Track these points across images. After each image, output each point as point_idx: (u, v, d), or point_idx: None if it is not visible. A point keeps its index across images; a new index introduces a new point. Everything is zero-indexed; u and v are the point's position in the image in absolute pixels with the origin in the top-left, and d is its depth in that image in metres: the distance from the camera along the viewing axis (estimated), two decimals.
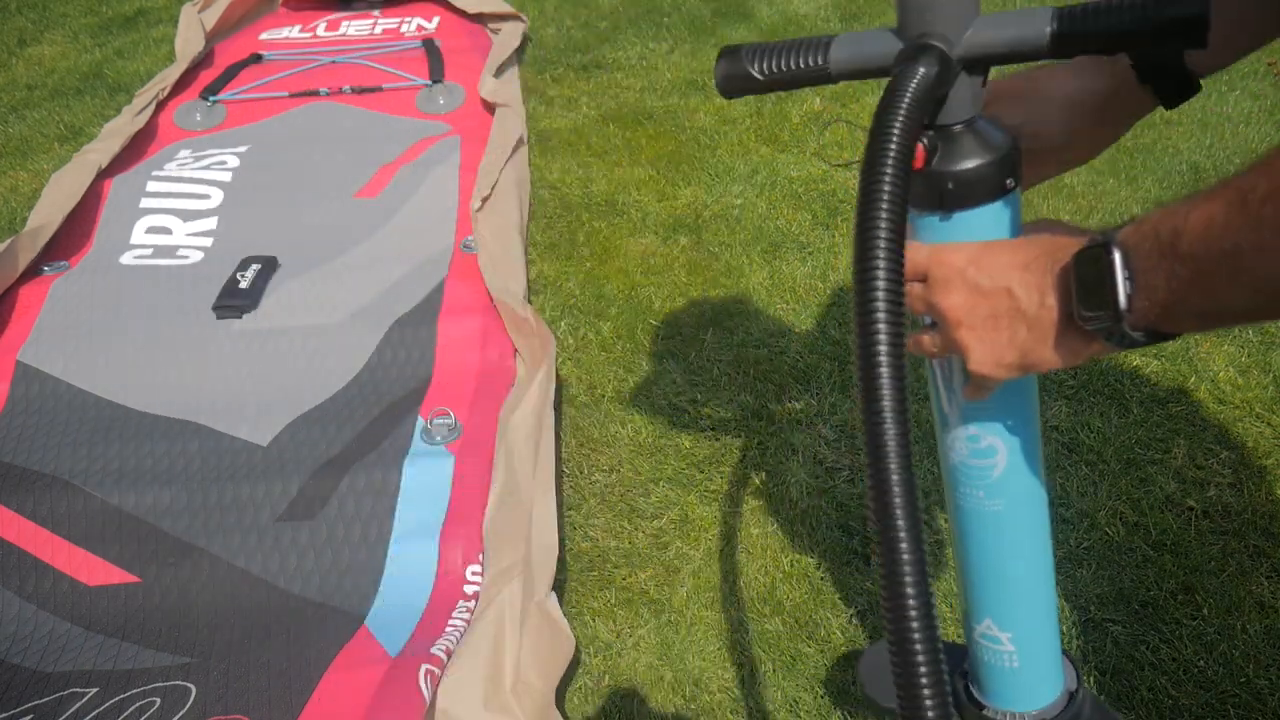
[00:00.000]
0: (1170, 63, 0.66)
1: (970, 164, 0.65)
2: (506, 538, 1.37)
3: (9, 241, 1.97)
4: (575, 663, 1.30)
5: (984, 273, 0.61)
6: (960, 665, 0.98)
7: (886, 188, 0.52)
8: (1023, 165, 0.68)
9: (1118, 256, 0.53)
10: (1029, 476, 0.79)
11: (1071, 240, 0.59)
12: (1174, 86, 0.68)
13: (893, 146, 0.54)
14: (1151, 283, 0.53)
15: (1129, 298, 0.53)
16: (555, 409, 1.60)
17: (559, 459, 1.60)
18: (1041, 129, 0.70)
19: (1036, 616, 0.88)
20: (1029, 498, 0.81)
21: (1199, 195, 0.51)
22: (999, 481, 0.79)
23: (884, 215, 0.52)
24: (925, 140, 0.64)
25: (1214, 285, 0.50)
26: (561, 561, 1.40)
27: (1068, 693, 0.93)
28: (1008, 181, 0.66)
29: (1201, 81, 0.68)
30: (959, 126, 0.65)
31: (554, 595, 1.28)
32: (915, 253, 0.65)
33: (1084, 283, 0.56)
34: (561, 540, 1.43)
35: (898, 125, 0.54)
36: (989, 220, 0.67)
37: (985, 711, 0.93)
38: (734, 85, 0.70)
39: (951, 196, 0.66)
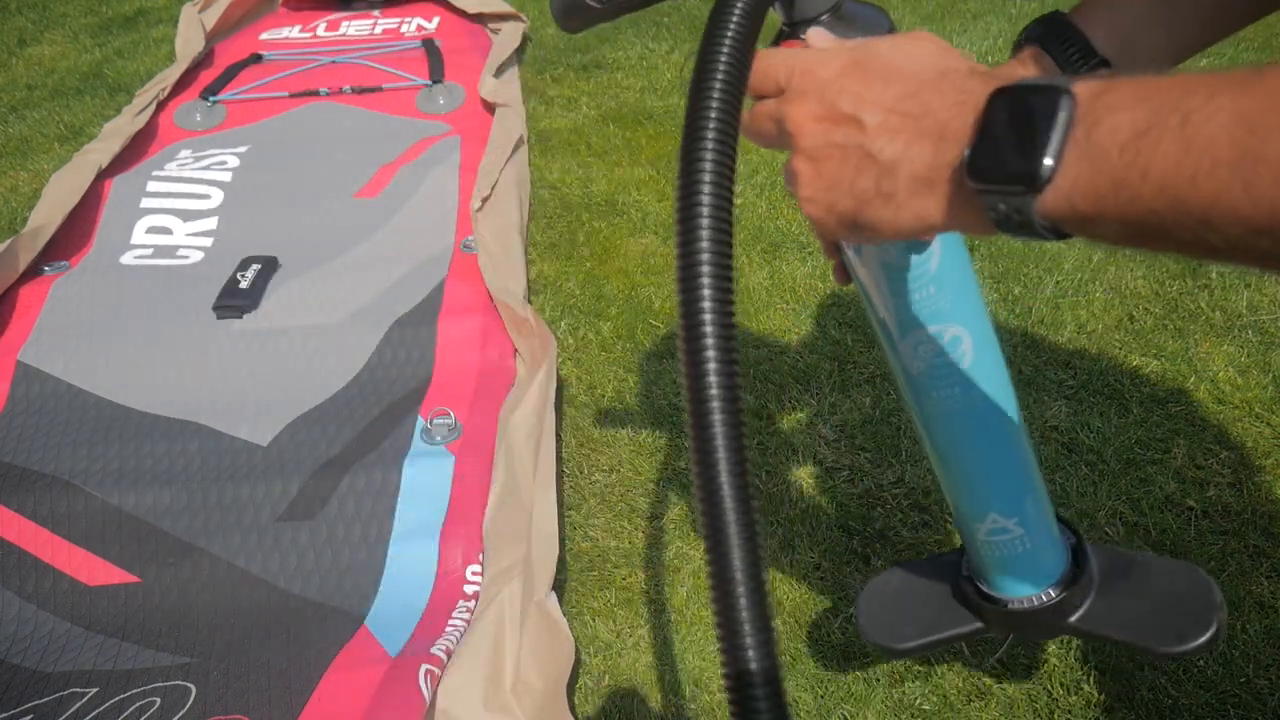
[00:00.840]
0: None
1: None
2: (507, 537, 1.37)
3: (9, 242, 1.97)
4: (575, 663, 1.30)
5: (844, 94, 0.49)
6: (958, 573, 0.97)
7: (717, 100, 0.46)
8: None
9: (1063, 110, 0.40)
10: (995, 359, 0.79)
11: (976, 74, 0.47)
12: None
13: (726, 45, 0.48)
14: (1096, 166, 0.39)
15: (1052, 166, 0.40)
16: (555, 409, 1.60)
17: (559, 459, 1.60)
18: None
19: (1033, 490, 0.88)
20: (999, 378, 0.80)
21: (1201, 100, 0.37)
22: (971, 370, 0.77)
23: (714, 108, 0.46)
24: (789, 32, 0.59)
25: (1179, 214, 0.37)
26: (561, 561, 1.40)
27: (1071, 550, 0.93)
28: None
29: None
30: (824, 18, 0.61)
31: (554, 595, 1.28)
32: (774, 61, 0.53)
33: (994, 129, 0.43)
34: (562, 540, 1.43)
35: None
36: None
37: (1011, 605, 0.92)
38: (574, 19, 0.64)
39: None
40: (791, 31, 0.62)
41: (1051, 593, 0.91)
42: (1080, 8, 0.67)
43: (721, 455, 0.43)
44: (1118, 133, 0.39)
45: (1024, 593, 0.92)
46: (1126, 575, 0.92)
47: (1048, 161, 0.40)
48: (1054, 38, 0.66)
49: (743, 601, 0.44)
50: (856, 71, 0.49)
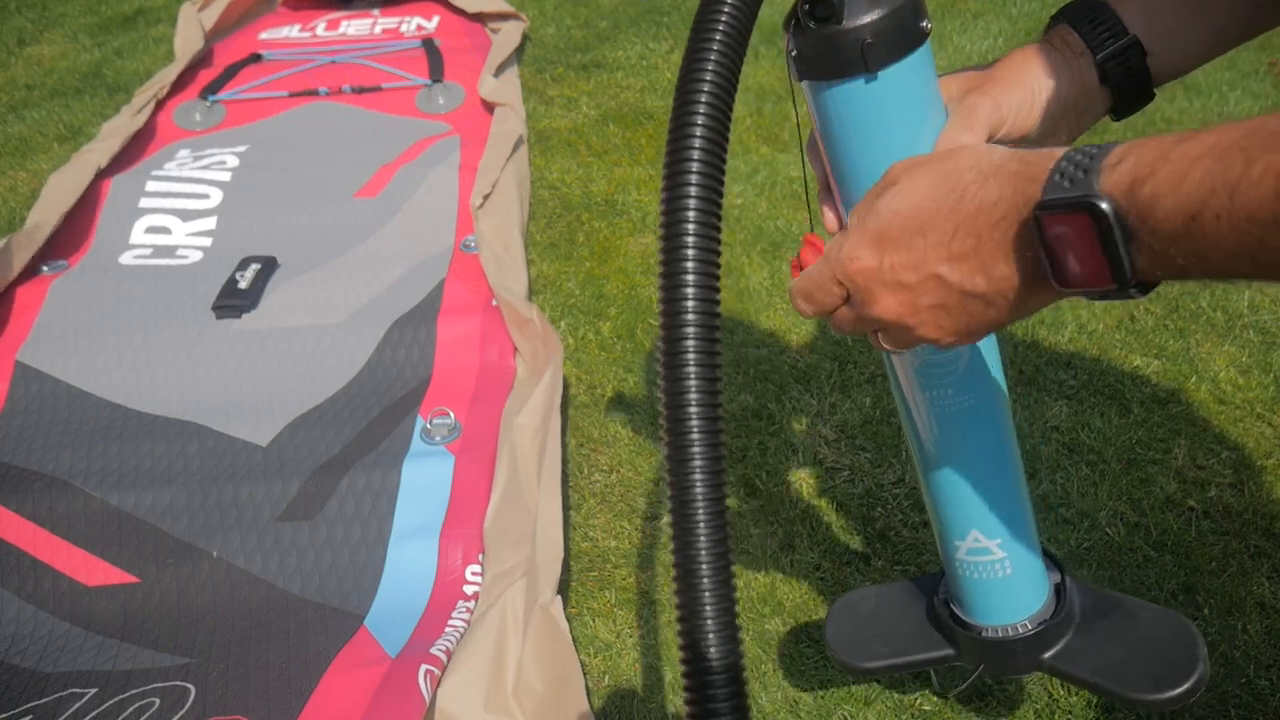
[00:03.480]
0: (1136, 65, 0.64)
1: (886, 8, 0.58)
2: (508, 539, 1.37)
3: (4, 241, 1.97)
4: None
5: (902, 269, 0.54)
6: (934, 594, 0.94)
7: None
8: None
9: (1117, 231, 0.44)
10: (992, 362, 0.77)
11: (993, 193, 0.50)
12: (1133, 92, 0.66)
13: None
14: (1164, 262, 0.44)
15: (1129, 275, 0.45)
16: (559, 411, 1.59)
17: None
18: (1012, 125, 0.67)
19: (1020, 515, 0.85)
20: (995, 386, 0.78)
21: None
22: (966, 373, 0.75)
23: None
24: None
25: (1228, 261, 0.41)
26: (563, 562, 1.40)
27: (1054, 586, 0.90)
28: (924, 23, 0.61)
29: (1203, 80, 0.68)
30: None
31: (559, 599, 1.28)
32: (820, 281, 0.58)
33: (1059, 260, 0.47)
34: (565, 542, 1.43)
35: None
36: (917, 71, 0.62)
37: (985, 633, 0.89)
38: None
39: (874, 52, 0.59)
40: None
41: (1028, 625, 0.88)
42: None
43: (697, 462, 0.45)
44: (1171, 225, 0.42)
45: (999, 621, 0.89)
46: (1109, 616, 0.89)
47: (1125, 276, 0.45)
48: (1085, 16, 0.66)
49: (706, 595, 0.45)
50: (889, 245, 0.54)
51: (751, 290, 1.96)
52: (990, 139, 0.65)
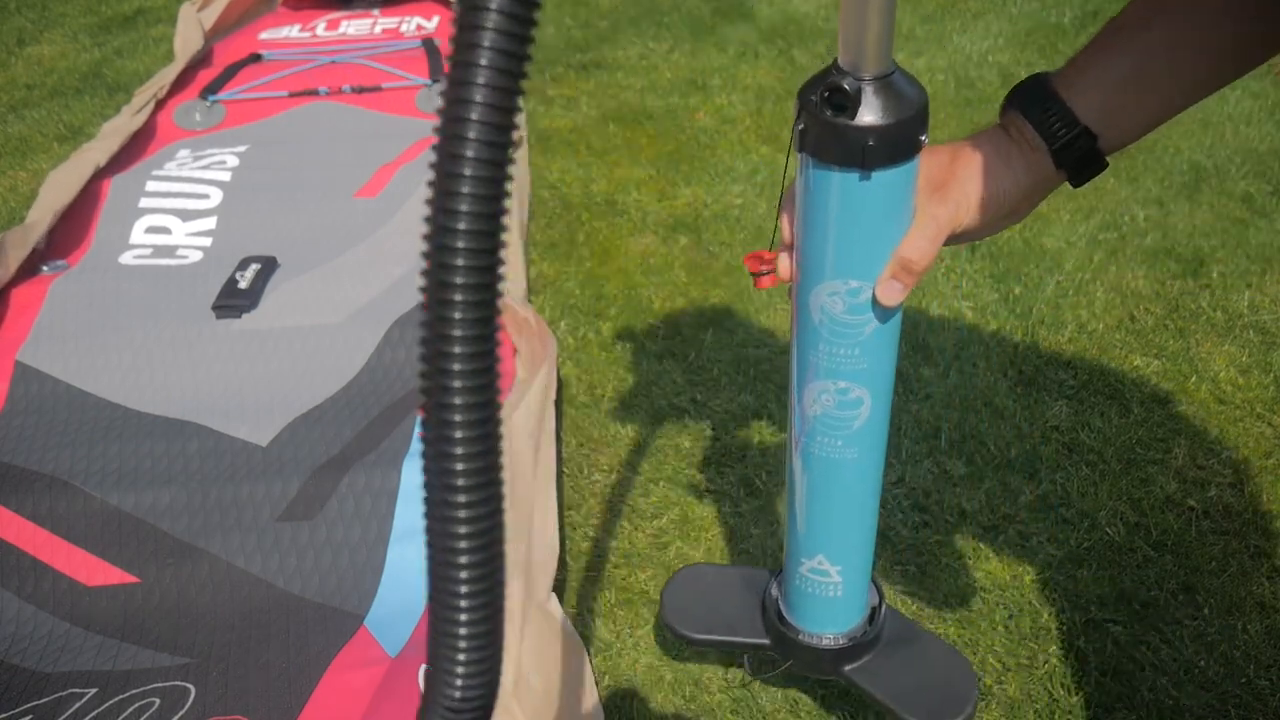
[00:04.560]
0: (1088, 149, 0.67)
1: (894, 117, 0.63)
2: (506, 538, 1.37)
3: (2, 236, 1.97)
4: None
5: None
6: (768, 589, 1.05)
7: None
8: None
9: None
10: (883, 425, 0.83)
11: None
12: (1087, 169, 0.69)
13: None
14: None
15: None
16: (555, 409, 1.59)
17: (559, 459, 1.60)
18: (965, 217, 0.71)
19: (864, 551, 0.94)
20: (880, 443, 0.85)
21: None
22: (859, 431, 0.81)
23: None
24: (848, 86, 0.62)
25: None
26: (561, 561, 1.40)
27: (871, 608, 1.01)
28: (923, 137, 0.65)
29: None
30: (882, 79, 0.63)
31: (555, 597, 1.28)
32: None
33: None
34: (562, 541, 1.43)
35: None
36: (905, 180, 0.67)
37: (802, 638, 1.00)
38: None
39: (872, 154, 0.63)
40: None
41: (840, 638, 0.99)
42: (1062, 75, 0.69)
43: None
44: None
45: (817, 630, 0.99)
46: (910, 645, 1.01)
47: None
48: (1036, 107, 0.68)
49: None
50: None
51: (751, 290, 1.96)
52: (950, 238, 0.71)
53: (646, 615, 1.37)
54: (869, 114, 0.62)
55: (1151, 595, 1.31)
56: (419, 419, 1.32)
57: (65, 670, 1.27)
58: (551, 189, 2.40)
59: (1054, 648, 1.26)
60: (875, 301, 0.72)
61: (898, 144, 0.64)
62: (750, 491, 1.52)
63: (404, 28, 3.27)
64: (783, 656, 1.05)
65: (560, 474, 1.58)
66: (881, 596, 1.02)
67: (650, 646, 1.33)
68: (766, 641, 1.05)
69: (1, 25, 3.83)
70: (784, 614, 1.02)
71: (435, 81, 2.76)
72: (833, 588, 0.94)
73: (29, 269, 2.02)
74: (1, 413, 1.68)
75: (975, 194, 0.69)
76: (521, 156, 2.43)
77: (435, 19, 3.32)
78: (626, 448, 1.63)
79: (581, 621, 1.37)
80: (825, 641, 0.99)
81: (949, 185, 0.70)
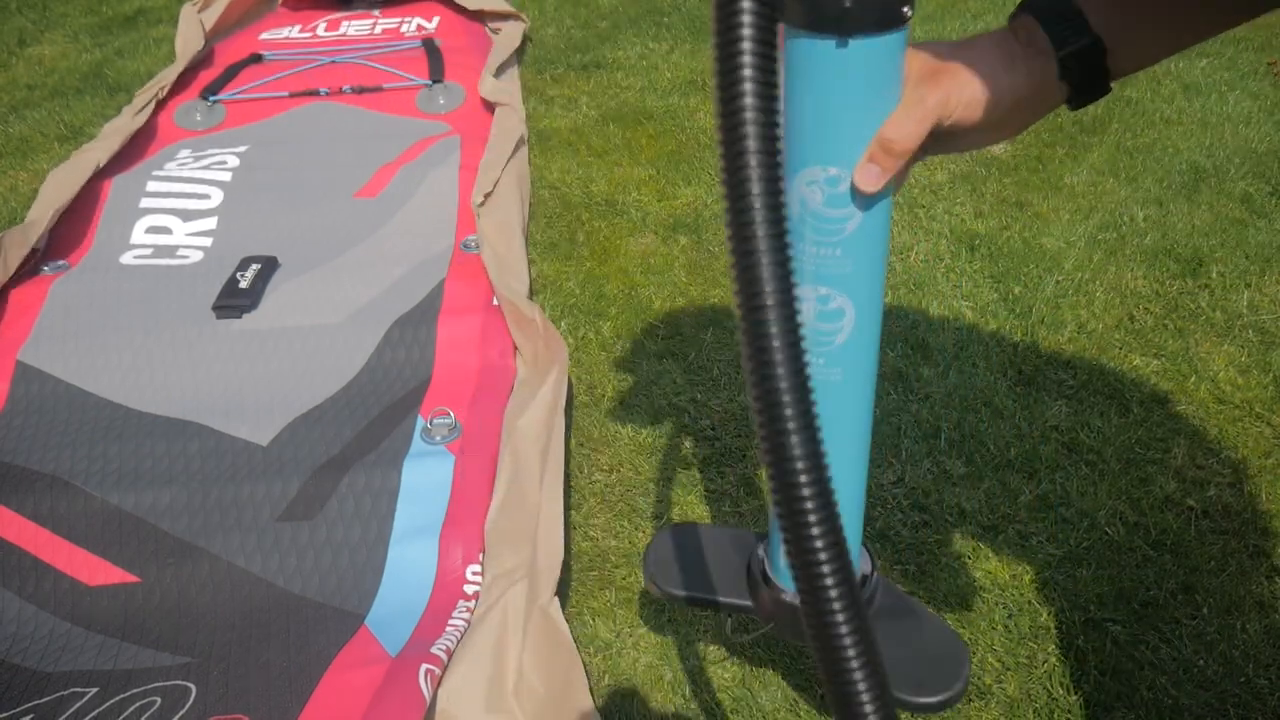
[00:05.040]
0: (1096, 64, 0.65)
1: None
2: (509, 540, 1.37)
3: (2, 236, 1.97)
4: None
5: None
6: (754, 551, 1.00)
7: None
8: (930, 142, 0.66)
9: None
10: (870, 345, 0.76)
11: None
12: (1090, 87, 0.67)
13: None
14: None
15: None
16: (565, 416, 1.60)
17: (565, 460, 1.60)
18: (960, 116, 0.67)
19: (854, 501, 0.87)
20: (866, 368, 0.78)
21: None
22: (841, 348, 0.75)
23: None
24: None
25: None
26: (563, 564, 1.40)
27: (863, 575, 0.95)
28: (906, 9, 0.61)
29: (1202, 80, 0.69)
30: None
31: (557, 601, 1.28)
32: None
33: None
34: (566, 544, 1.44)
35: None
36: (887, 53, 0.62)
37: (785, 596, 0.94)
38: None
39: (849, 19, 0.59)
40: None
41: None
42: None
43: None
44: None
45: None
46: (901, 618, 0.96)
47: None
48: (1049, 11, 0.66)
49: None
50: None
51: None
52: (935, 129, 0.66)
53: (646, 615, 1.37)
54: None
55: (1151, 595, 1.31)
56: (420, 420, 1.30)
57: (66, 670, 1.27)
58: (551, 189, 2.40)
59: (1053, 647, 1.26)
60: (855, 191, 0.67)
61: (878, 10, 0.59)
62: (750, 491, 1.53)
63: (404, 28, 3.27)
64: (764, 619, 1.00)
65: (566, 476, 1.58)
66: (874, 564, 0.96)
67: (650, 646, 1.33)
68: (749, 604, 1.00)
69: (2, 25, 3.84)
70: (768, 573, 0.96)
71: (435, 82, 2.76)
72: None
73: (30, 269, 2.03)
74: (2, 412, 1.69)
75: (969, 86, 0.66)
76: (522, 156, 2.44)
77: (435, 19, 3.32)
78: (626, 448, 1.64)
79: (581, 621, 1.37)
80: None
81: (940, 75, 0.66)
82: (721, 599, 1.02)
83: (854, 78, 0.62)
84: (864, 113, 0.64)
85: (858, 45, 0.60)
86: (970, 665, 0.94)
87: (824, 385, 0.76)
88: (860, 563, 0.95)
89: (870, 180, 0.66)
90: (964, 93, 0.66)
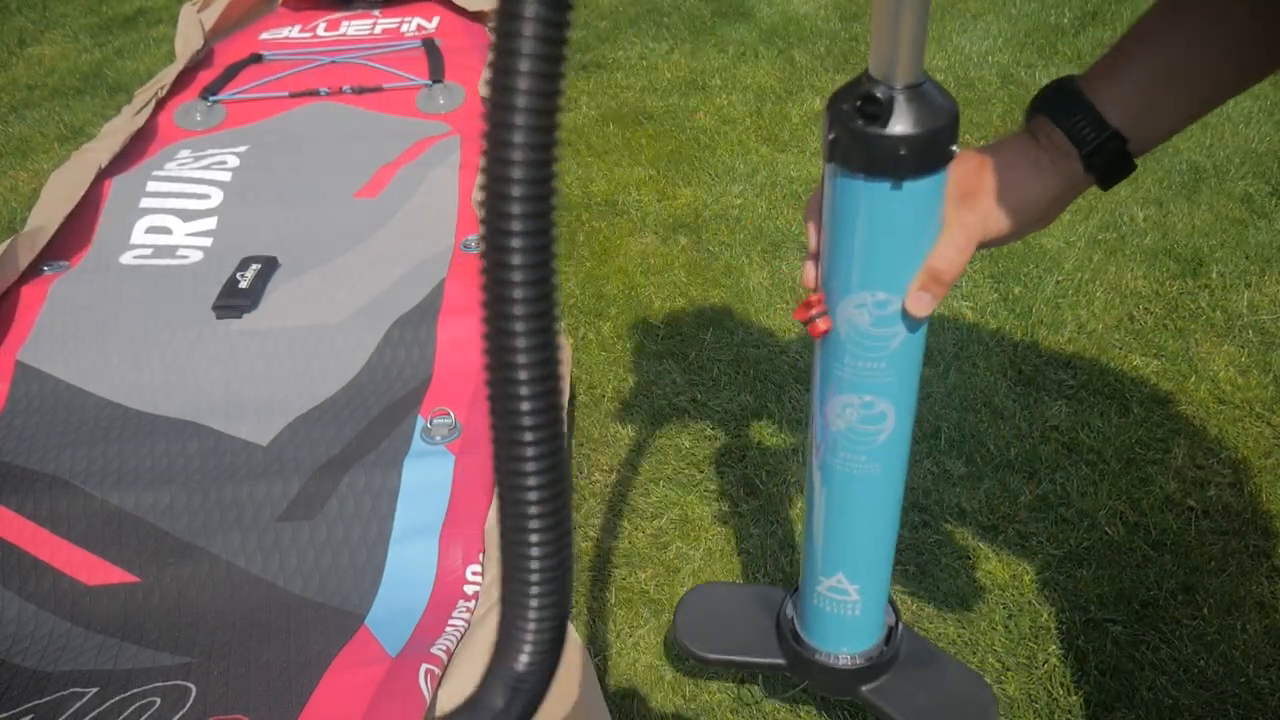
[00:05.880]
0: (1118, 151, 0.67)
1: (926, 127, 0.62)
2: None
3: (9, 242, 1.97)
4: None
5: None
6: (783, 608, 1.03)
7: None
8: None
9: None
10: (907, 438, 0.82)
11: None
12: (1118, 170, 0.69)
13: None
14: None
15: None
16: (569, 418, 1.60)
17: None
18: (998, 230, 0.70)
19: (884, 570, 0.92)
20: (903, 459, 0.83)
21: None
22: (883, 446, 0.80)
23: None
24: (880, 95, 0.61)
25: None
26: None
27: (888, 627, 1.00)
28: (953, 147, 0.65)
29: None
30: (914, 89, 0.62)
31: None
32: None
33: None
34: None
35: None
36: (935, 190, 0.66)
37: (818, 657, 0.98)
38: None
39: (904, 163, 0.63)
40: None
41: (858, 659, 0.97)
42: (1089, 78, 0.68)
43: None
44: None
45: (835, 650, 0.98)
46: (925, 666, 0.99)
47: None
48: (1063, 109, 0.68)
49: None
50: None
51: (751, 290, 1.96)
52: (978, 245, 0.70)
53: (646, 615, 1.37)
54: (901, 123, 0.62)
55: (1151, 595, 1.31)
56: (420, 419, 1.30)
57: (66, 670, 1.27)
58: None
59: (1053, 647, 1.26)
60: (903, 313, 0.71)
61: (929, 154, 0.63)
62: (750, 491, 1.53)
63: (404, 28, 3.27)
64: (798, 677, 1.03)
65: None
66: (898, 615, 1.01)
67: (650, 646, 1.33)
68: (782, 662, 1.03)
69: (2, 25, 3.84)
70: (800, 633, 1.00)
71: (435, 82, 2.76)
72: (851, 606, 0.92)
73: (30, 269, 2.03)
74: (2, 413, 1.69)
75: (1004, 202, 0.69)
76: None
77: (435, 19, 3.32)
78: (626, 448, 1.63)
79: (581, 621, 1.37)
80: (842, 661, 0.97)
81: (977, 194, 0.69)
82: (755, 659, 1.05)
83: (905, 214, 0.66)
84: (912, 243, 0.69)
85: (911, 186, 0.64)
86: (997, 710, 0.97)
87: (865, 479, 0.82)
88: (885, 615, 0.99)
89: (923, 307, 0.71)
90: (1000, 209, 0.69)
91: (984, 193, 0.69)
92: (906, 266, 0.69)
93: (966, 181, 0.69)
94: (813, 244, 0.74)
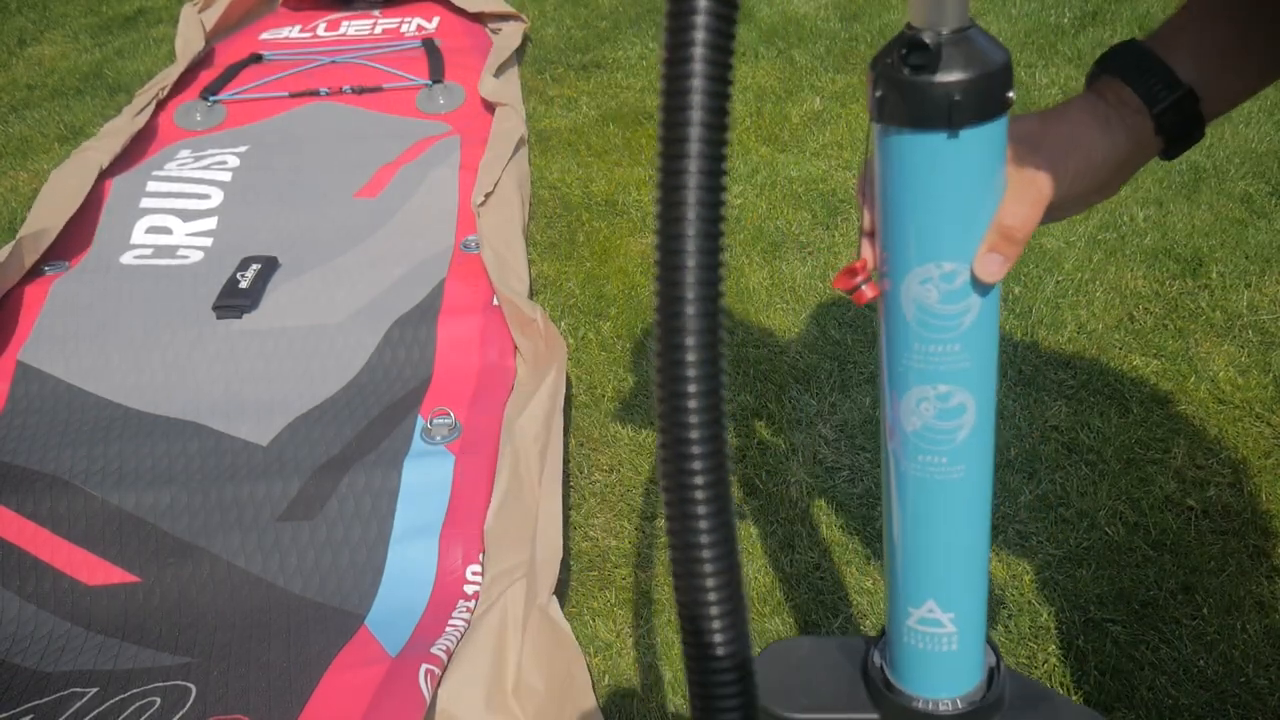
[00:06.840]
0: (1191, 113, 0.65)
1: (980, 70, 0.59)
2: (509, 540, 1.37)
3: (12, 244, 1.97)
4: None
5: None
6: (870, 656, 0.94)
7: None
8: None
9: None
10: (991, 437, 0.75)
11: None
12: (1188, 133, 0.67)
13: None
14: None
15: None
16: (564, 415, 1.60)
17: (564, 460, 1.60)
18: (1069, 189, 0.66)
19: (979, 592, 0.85)
20: (988, 461, 0.76)
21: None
22: (964, 444, 0.73)
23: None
24: (927, 39, 0.58)
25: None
26: (562, 562, 1.40)
27: (989, 669, 0.90)
28: (1010, 93, 0.61)
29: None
30: (961, 32, 0.59)
31: (555, 600, 1.28)
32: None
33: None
34: (565, 544, 1.44)
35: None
36: (995, 139, 0.62)
37: (917, 704, 0.88)
38: None
39: (960, 110, 0.59)
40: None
41: (959, 703, 0.87)
42: (1158, 36, 0.66)
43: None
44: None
45: (933, 694, 0.87)
46: (1035, 708, 0.89)
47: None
48: (1134, 68, 0.66)
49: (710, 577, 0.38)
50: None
51: (751, 290, 1.96)
52: (1047, 209, 0.66)
53: (646, 615, 1.37)
54: (952, 68, 0.58)
55: (1150, 595, 1.31)
56: (420, 420, 1.30)
57: (66, 669, 1.27)
58: (551, 189, 2.40)
59: (1053, 647, 1.26)
60: (974, 283, 0.66)
61: (985, 99, 0.59)
62: (750, 491, 1.53)
63: (404, 28, 3.27)
64: None
65: (565, 475, 1.58)
66: (999, 656, 0.91)
67: (650, 646, 1.33)
68: (875, 716, 0.93)
69: (2, 25, 3.84)
70: (891, 680, 0.91)
71: (435, 82, 2.76)
72: (947, 639, 0.84)
73: (30, 269, 2.03)
74: (2, 412, 1.69)
75: (1073, 157, 0.65)
76: (522, 156, 2.44)
77: (435, 19, 3.32)
78: (626, 448, 1.64)
79: (581, 621, 1.37)
80: (943, 708, 0.86)
81: (1043, 150, 0.65)
82: (847, 715, 0.94)
83: (966, 169, 0.62)
84: (976, 203, 0.64)
85: (969, 135, 0.60)
86: None
87: (945, 485, 0.75)
88: (985, 656, 0.90)
89: (994, 270, 0.65)
90: (1066, 168, 0.65)
91: (1051, 149, 0.65)
92: (972, 230, 0.65)
93: (1031, 139, 0.66)
94: (867, 221, 0.70)
